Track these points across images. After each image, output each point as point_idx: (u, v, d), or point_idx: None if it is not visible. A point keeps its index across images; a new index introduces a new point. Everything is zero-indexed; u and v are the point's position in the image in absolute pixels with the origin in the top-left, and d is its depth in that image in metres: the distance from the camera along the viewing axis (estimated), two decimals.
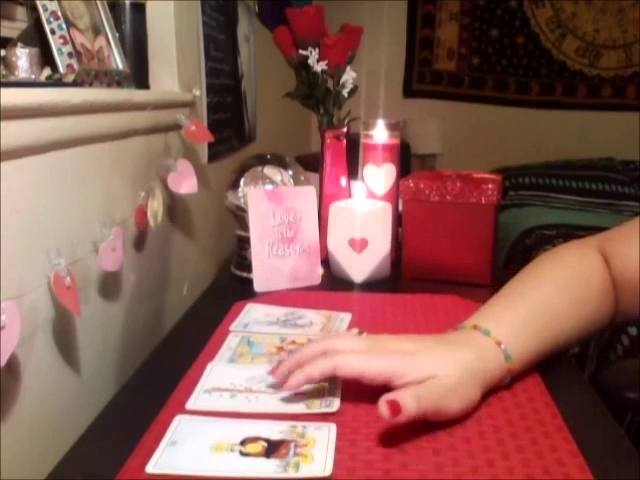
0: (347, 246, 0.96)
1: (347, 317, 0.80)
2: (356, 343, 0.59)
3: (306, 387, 0.59)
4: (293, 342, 0.72)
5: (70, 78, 0.68)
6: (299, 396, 0.59)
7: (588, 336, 0.72)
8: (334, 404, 0.57)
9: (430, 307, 0.84)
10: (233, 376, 0.63)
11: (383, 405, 0.51)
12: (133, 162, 0.81)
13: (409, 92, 3.57)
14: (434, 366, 0.56)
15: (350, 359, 0.56)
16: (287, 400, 0.58)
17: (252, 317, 0.80)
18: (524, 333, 0.63)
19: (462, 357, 0.58)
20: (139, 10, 0.90)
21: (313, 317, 0.80)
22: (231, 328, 0.76)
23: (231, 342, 0.73)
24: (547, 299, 0.67)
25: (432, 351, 0.58)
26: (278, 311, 0.82)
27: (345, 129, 1.08)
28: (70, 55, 0.68)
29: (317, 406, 0.57)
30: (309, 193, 0.95)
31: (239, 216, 0.97)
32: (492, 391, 0.60)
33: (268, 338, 0.73)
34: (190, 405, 0.57)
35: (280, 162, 1.00)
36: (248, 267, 0.95)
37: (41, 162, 0.59)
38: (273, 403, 0.58)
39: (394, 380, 0.55)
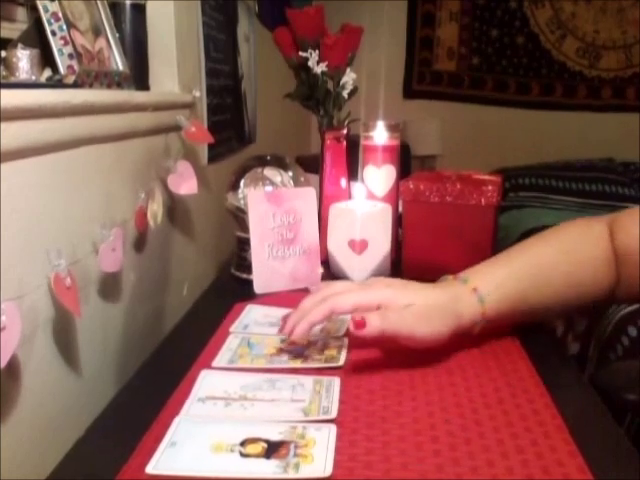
0: (347, 247, 0.96)
1: (347, 317, 0.80)
2: (349, 285, 0.69)
3: (306, 396, 0.59)
4: (293, 343, 0.72)
5: (70, 79, 0.68)
6: (296, 403, 0.58)
7: (583, 304, 0.76)
8: (332, 411, 0.57)
9: None
10: (227, 384, 0.62)
11: (351, 322, 0.61)
12: (133, 163, 0.81)
13: (409, 93, 3.57)
14: (412, 297, 0.66)
15: (344, 297, 0.65)
16: (284, 407, 0.58)
17: (252, 318, 0.80)
18: (503, 280, 0.70)
19: (436, 295, 0.67)
20: (139, 10, 0.90)
21: None
22: (231, 329, 0.76)
23: (231, 343, 0.72)
24: (541, 255, 0.73)
25: (412, 287, 0.69)
26: (278, 312, 0.82)
27: (345, 130, 1.08)
28: (70, 56, 0.68)
29: (315, 413, 0.56)
30: (309, 194, 0.95)
31: (239, 217, 0.97)
32: (491, 389, 0.61)
33: (268, 339, 0.73)
34: (183, 415, 0.57)
35: (280, 163, 1.00)
36: (248, 268, 0.95)
37: (41, 163, 0.59)
38: (269, 410, 0.57)
39: (387, 306, 0.64)
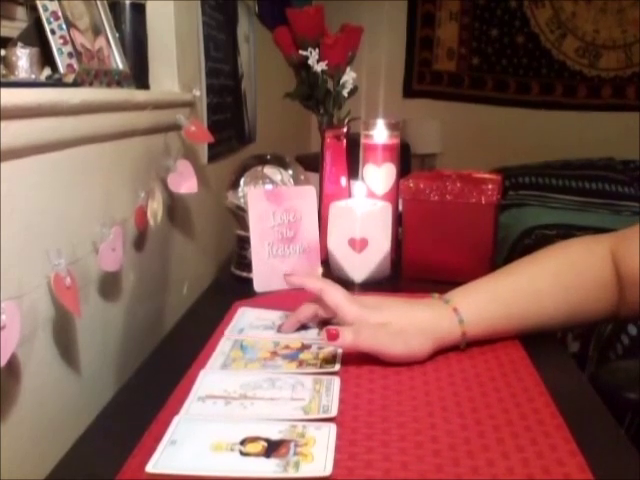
0: (347, 246, 0.96)
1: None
2: (344, 292, 0.72)
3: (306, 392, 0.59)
4: (287, 347, 0.71)
5: (70, 78, 0.68)
6: (296, 402, 0.58)
7: (581, 322, 0.77)
8: (332, 410, 0.57)
9: None
10: (227, 383, 0.62)
11: (323, 332, 0.64)
12: (133, 162, 0.81)
13: (409, 92, 3.57)
14: (390, 317, 0.68)
15: (336, 291, 0.70)
16: (284, 406, 0.58)
17: (247, 322, 0.79)
18: (485, 304, 0.71)
19: (416, 315, 0.69)
20: (139, 10, 0.90)
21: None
22: (226, 333, 0.75)
23: (224, 346, 0.71)
24: (530, 279, 0.73)
25: (394, 306, 0.71)
26: (273, 315, 0.81)
27: (345, 129, 1.08)
28: (70, 55, 0.68)
29: (315, 412, 0.56)
30: (309, 193, 0.95)
31: (239, 216, 0.97)
32: (491, 388, 0.61)
33: (262, 342, 0.72)
34: (183, 414, 0.56)
35: (280, 162, 1.00)
36: (248, 267, 0.95)
37: (41, 162, 0.59)
38: (269, 409, 0.57)
39: (359, 323, 0.67)
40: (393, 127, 1.06)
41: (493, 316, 0.71)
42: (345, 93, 1.14)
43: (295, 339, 0.73)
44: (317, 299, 0.73)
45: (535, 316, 0.73)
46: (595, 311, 0.74)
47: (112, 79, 0.78)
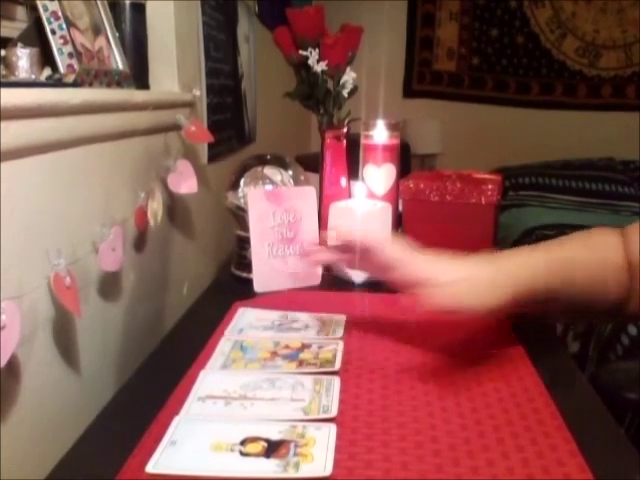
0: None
1: (342, 319, 0.79)
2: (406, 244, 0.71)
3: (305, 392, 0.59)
4: (287, 347, 0.71)
5: (70, 78, 0.68)
6: (296, 402, 0.58)
7: (594, 312, 0.76)
8: (332, 410, 0.57)
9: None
10: (227, 383, 0.62)
11: (404, 298, 0.65)
12: (133, 162, 0.81)
13: (409, 92, 3.57)
14: (459, 273, 0.66)
15: (399, 247, 0.71)
16: (284, 406, 0.58)
17: (247, 322, 0.79)
18: (534, 270, 0.69)
19: (482, 268, 0.67)
20: (139, 10, 0.90)
21: (308, 320, 0.79)
22: (226, 333, 0.76)
23: (224, 347, 0.71)
24: (572, 253, 0.73)
25: (459, 263, 0.69)
26: (272, 315, 0.81)
27: (345, 129, 1.08)
28: (70, 55, 0.68)
29: (315, 412, 0.56)
30: (309, 193, 0.95)
31: (239, 216, 0.97)
32: (491, 388, 0.60)
33: (262, 342, 0.72)
34: (183, 414, 0.57)
35: (280, 162, 1.00)
36: (248, 267, 0.95)
37: (41, 162, 0.59)
38: (269, 409, 0.57)
39: (429, 282, 0.65)
40: (393, 127, 1.06)
41: (537, 282, 0.69)
42: (345, 93, 1.14)
43: (295, 339, 0.73)
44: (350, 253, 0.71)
45: (569, 292, 0.71)
46: (615, 294, 0.72)
47: (112, 79, 0.78)
